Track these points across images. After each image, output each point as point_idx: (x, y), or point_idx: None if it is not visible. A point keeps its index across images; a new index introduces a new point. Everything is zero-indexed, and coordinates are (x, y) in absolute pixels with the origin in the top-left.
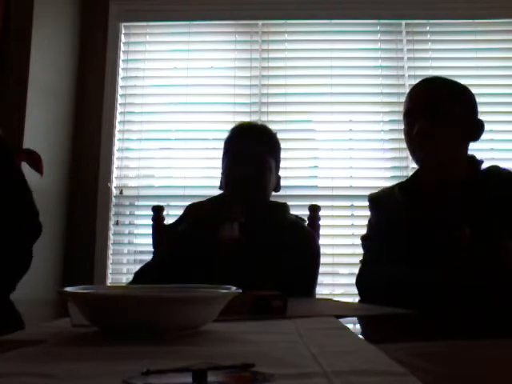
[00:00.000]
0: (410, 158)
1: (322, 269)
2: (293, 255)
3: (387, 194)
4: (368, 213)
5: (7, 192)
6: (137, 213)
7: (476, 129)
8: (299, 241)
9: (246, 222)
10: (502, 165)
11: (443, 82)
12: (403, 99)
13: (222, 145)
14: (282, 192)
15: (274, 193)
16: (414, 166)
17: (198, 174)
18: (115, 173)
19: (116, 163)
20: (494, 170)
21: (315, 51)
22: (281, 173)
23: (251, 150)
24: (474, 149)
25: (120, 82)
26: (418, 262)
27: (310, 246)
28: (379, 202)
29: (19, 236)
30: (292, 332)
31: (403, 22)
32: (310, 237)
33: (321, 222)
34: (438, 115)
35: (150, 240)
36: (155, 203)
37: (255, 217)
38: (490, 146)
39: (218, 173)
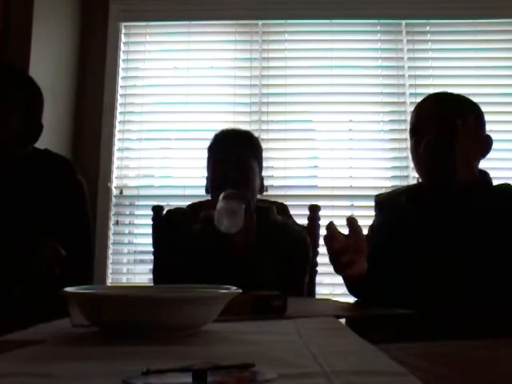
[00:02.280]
0: (411, 157)
1: (321, 269)
2: (286, 257)
3: (394, 198)
4: (368, 212)
5: (67, 237)
6: (137, 213)
7: (486, 145)
8: (291, 242)
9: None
10: (502, 164)
11: (451, 96)
12: (403, 99)
13: None
14: (282, 192)
15: (265, 192)
16: None
17: (198, 174)
18: (115, 173)
19: (116, 163)
20: (504, 185)
21: (315, 51)
22: (281, 173)
23: (234, 154)
24: None
25: (120, 82)
26: (415, 263)
27: (304, 248)
28: (385, 204)
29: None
30: (292, 332)
31: (403, 21)
32: (301, 237)
33: (321, 222)
34: (449, 132)
35: (150, 240)
36: (155, 203)
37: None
38: None
39: None
